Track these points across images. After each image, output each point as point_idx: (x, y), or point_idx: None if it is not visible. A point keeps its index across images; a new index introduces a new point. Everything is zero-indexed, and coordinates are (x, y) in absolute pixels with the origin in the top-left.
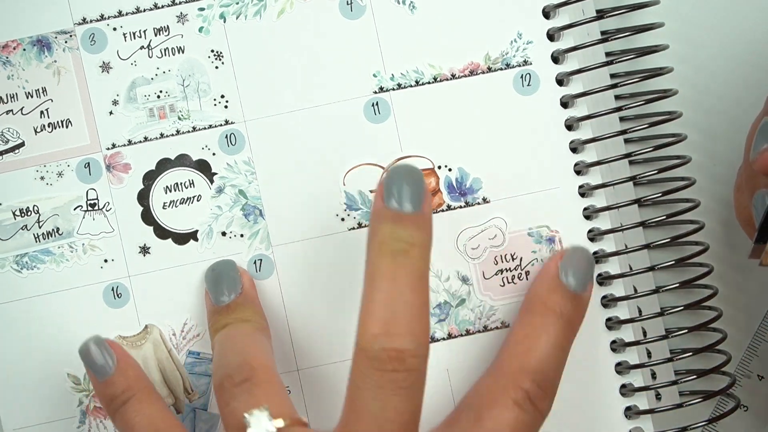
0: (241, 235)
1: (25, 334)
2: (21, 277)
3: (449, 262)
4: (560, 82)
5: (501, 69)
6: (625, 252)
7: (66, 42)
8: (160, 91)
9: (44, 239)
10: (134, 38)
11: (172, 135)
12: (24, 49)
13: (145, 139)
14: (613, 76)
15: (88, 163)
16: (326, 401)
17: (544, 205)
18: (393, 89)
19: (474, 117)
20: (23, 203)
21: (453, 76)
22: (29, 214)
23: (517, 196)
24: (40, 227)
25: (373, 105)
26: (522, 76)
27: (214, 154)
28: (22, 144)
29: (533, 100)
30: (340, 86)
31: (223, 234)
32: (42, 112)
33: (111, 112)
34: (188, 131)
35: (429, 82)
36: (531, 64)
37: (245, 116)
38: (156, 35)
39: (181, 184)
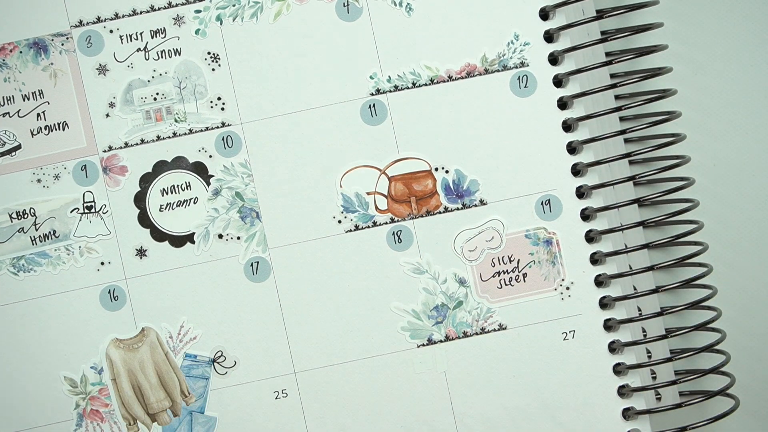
0: (238, 238)
1: (21, 337)
2: (17, 280)
3: (446, 265)
4: (558, 83)
5: (498, 71)
6: (623, 252)
7: (62, 44)
8: (157, 94)
9: (41, 242)
10: (131, 40)
11: (169, 137)
12: (20, 52)
13: (142, 141)
14: (612, 76)
15: (85, 166)
16: (323, 404)
17: (542, 207)
18: (390, 91)
19: (471, 119)
20: (19, 206)
21: (450, 78)
22: (26, 216)
23: (515, 198)
24: (36, 230)
25: (369, 107)
26: (519, 78)
27: (210, 156)
28: (19, 147)
29: (530, 102)
30: (336, 88)
31: (220, 236)
32: (38, 115)
33: (107, 115)
34: (185, 133)
35: (426, 84)
36: (528, 65)
37: (242, 118)
38: (152, 37)
39: (177, 186)
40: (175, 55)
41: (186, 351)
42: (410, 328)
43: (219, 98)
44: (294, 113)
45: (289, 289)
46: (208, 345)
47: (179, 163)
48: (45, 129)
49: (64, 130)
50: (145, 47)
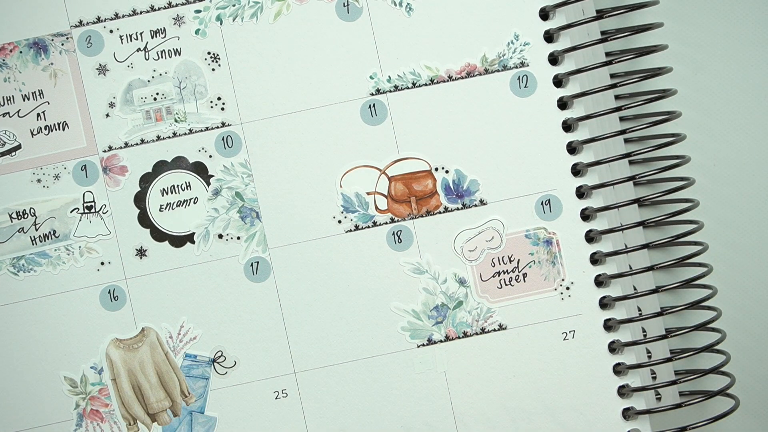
0: (238, 238)
1: (21, 337)
2: (17, 280)
3: (446, 265)
4: (558, 83)
5: (498, 71)
6: (622, 252)
7: (62, 44)
8: (157, 94)
9: (41, 242)
10: (131, 40)
11: (169, 137)
12: (20, 52)
13: (142, 141)
14: (612, 76)
15: (85, 166)
16: (323, 404)
17: (542, 207)
18: (390, 91)
19: (471, 119)
20: (19, 206)
21: (450, 78)
22: (26, 216)
23: (515, 197)
24: (36, 230)
25: (369, 107)
26: (519, 78)
27: (210, 156)
28: (19, 146)
29: (530, 102)
30: (336, 88)
31: (220, 236)
32: (38, 115)
33: (107, 115)
34: (185, 133)
35: (426, 84)
36: (528, 65)
37: (242, 118)
38: (152, 37)
39: (177, 186)
40: (175, 55)
41: (186, 351)
42: (410, 328)
43: (219, 98)
44: (294, 113)
45: (289, 289)
46: (208, 345)
47: (179, 163)
48: (45, 129)
49: (64, 130)
50: (145, 47)
